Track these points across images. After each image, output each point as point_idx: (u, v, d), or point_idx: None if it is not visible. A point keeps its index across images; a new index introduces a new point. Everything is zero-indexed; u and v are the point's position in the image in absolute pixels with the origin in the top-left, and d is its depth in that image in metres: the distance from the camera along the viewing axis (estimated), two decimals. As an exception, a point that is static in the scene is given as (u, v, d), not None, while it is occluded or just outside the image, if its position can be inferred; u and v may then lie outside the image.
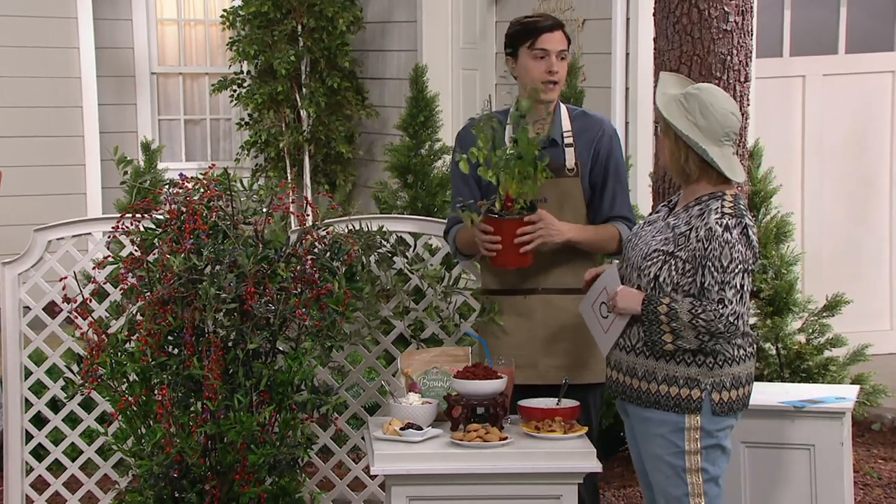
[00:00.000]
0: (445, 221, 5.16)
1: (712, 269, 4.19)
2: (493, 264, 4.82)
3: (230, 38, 10.09)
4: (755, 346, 4.42)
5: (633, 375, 4.33)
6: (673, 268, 4.25)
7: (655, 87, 4.32)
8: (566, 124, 4.90)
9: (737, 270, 4.19)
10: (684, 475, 4.29)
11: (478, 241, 4.77)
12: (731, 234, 4.20)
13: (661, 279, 4.25)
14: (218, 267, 4.55)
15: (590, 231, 4.85)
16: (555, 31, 4.84)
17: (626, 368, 4.35)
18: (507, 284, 4.91)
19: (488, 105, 4.89)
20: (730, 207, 4.25)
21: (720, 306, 4.18)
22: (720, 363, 4.28)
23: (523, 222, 4.69)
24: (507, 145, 4.70)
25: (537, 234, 4.71)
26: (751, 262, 4.24)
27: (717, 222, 4.21)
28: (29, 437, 5.58)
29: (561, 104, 4.96)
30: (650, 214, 4.52)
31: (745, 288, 4.21)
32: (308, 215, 4.88)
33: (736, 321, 4.19)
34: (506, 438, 4.41)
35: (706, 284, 4.20)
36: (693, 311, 4.19)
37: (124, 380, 4.73)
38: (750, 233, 4.24)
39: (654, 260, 4.27)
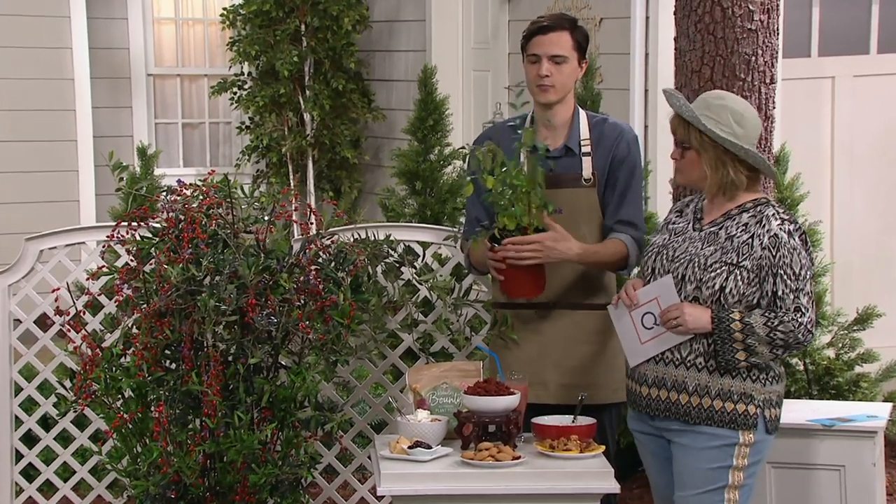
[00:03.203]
0: (455, 230, 5.18)
1: (785, 277, 4.20)
2: (508, 295, 4.78)
3: (230, 37, 10.08)
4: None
5: (680, 391, 4.29)
6: (739, 278, 4.22)
7: (674, 102, 4.32)
8: (584, 132, 4.80)
9: (807, 277, 4.23)
10: (723, 492, 4.27)
11: (489, 266, 4.76)
12: (794, 239, 4.23)
13: (726, 290, 4.22)
14: (217, 278, 4.55)
15: (595, 255, 4.70)
16: (548, 34, 4.71)
17: (671, 384, 4.30)
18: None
19: (499, 112, 4.82)
20: (785, 213, 4.30)
21: (798, 315, 4.19)
22: (771, 379, 4.28)
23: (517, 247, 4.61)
24: (509, 169, 4.62)
25: (523, 255, 4.57)
26: (811, 267, 4.27)
27: (780, 228, 4.23)
28: (19, 456, 5.57)
29: (581, 110, 4.87)
30: (670, 223, 4.48)
31: (813, 295, 4.24)
32: (312, 223, 4.88)
33: (813, 329, 4.23)
34: (519, 458, 4.38)
35: (779, 293, 4.20)
36: (769, 323, 4.18)
37: (119, 396, 4.72)
38: (807, 238, 4.27)
39: (718, 271, 4.23)
